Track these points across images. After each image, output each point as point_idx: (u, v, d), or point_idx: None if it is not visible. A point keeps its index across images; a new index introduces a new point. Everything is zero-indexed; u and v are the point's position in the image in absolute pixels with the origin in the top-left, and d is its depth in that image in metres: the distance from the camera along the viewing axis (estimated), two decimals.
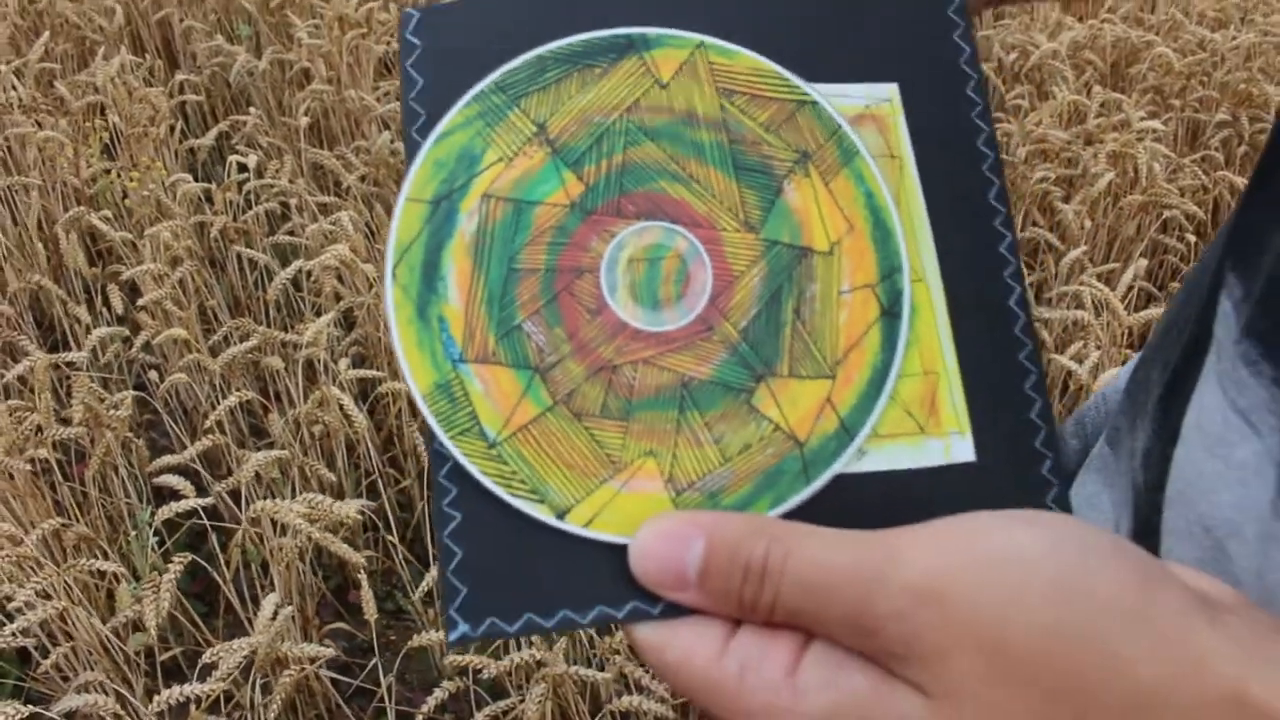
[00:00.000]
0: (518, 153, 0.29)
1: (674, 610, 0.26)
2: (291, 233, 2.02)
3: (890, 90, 0.31)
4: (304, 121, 2.35)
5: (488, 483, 0.27)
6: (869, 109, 0.31)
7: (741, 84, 0.30)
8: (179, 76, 2.67)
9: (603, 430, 0.28)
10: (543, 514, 0.27)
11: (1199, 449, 0.33)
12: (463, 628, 0.27)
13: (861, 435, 0.28)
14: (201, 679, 1.06)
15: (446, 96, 0.30)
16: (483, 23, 0.30)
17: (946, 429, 0.29)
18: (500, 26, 0.30)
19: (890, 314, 0.29)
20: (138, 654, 1.35)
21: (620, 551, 0.27)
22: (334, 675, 1.28)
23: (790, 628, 0.24)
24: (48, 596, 1.18)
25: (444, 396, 0.28)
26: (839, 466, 0.28)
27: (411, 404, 1.68)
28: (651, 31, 0.30)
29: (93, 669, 1.23)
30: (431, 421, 0.28)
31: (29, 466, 1.38)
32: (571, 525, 0.27)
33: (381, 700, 1.29)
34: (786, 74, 0.30)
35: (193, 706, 1.06)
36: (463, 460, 0.28)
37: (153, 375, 1.72)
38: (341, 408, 1.43)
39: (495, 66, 0.30)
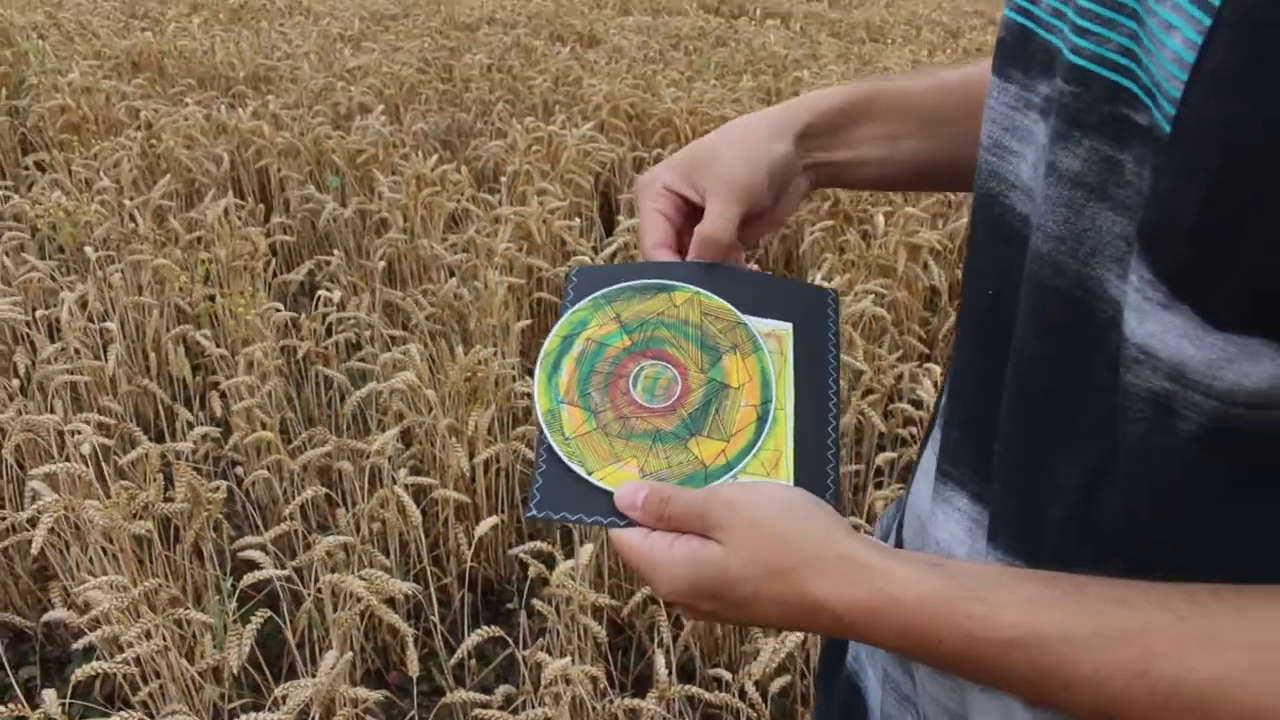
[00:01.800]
0: (604, 324, 0.62)
1: (630, 524, 0.55)
2: (364, 360, 2.32)
3: (788, 325, 0.63)
4: (380, 265, 2.68)
5: (561, 455, 0.58)
6: (774, 331, 0.63)
7: (712, 310, 0.63)
8: (274, 219, 3.04)
9: (615, 443, 0.58)
10: (582, 472, 0.57)
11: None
12: (535, 511, 0.57)
13: (735, 470, 0.58)
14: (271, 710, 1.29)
15: (578, 297, 0.63)
16: (597, 274, 0.64)
17: (782, 478, 0.58)
18: (607, 276, 0.64)
19: (761, 419, 0.59)
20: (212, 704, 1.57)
21: (611, 495, 0.56)
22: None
23: (674, 529, 0.51)
24: (149, 636, 1.42)
25: (551, 416, 0.59)
26: (721, 481, 0.57)
27: (457, 508, 1.93)
28: (674, 284, 0.64)
29: (175, 703, 1.46)
30: (543, 425, 0.58)
31: (135, 535, 1.64)
32: (594, 479, 0.57)
33: None
34: (734, 310, 0.63)
35: None
36: (553, 444, 0.58)
37: (238, 471, 1.99)
38: (400, 505, 1.69)
39: (601, 289, 0.64)
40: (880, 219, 2.92)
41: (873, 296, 2.42)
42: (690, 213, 0.65)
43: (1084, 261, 0.43)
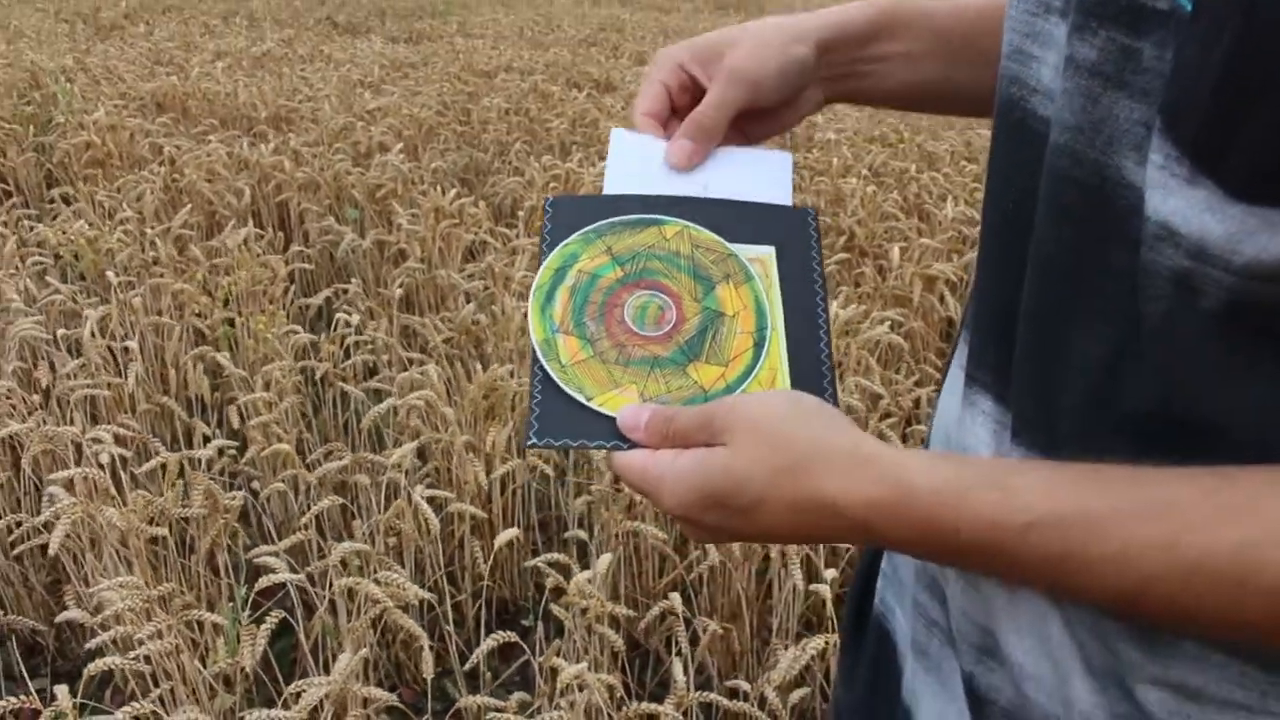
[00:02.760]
0: (596, 257, 0.62)
1: (633, 447, 0.54)
2: (381, 382, 2.32)
3: (770, 249, 0.63)
4: (398, 293, 2.70)
5: (558, 381, 0.57)
6: (759, 256, 0.63)
7: (702, 243, 0.63)
8: (294, 248, 3.06)
9: (613, 370, 0.58)
10: (581, 399, 0.57)
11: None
12: (534, 440, 0.56)
13: (735, 393, 0.57)
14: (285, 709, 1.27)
15: (564, 233, 0.63)
16: (574, 205, 0.64)
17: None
18: (582, 207, 0.64)
19: (758, 345, 0.59)
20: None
21: (612, 420, 0.56)
22: None
23: (679, 445, 0.52)
24: (160, 636, 1.41)
25: (547, 345, 0.58)
26: None
27: (473, 525, 1.92)
28: (664, 217, 0.64)
29: (187, 706, 1.44)
30: (539, 354, 0.58)
31: (150, 541, 1.63)
32: (594, 405, 0.56)
33: None
34: (722, 240, 0.63)
35: None
36: (550, 372, 0.57)
37: (254, 486, 1.99)
38: (418, 514, 1.68)
39: (582, 220, 0.64)
40: (895, 252, 2.93)
41: (889, 324, 2.42)
42: (696, 95, 0.65)
43: (1101, 150, 0.44)
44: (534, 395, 0.57)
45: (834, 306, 2.64)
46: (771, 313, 0.60)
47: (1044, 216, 0.47)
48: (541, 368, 0.57)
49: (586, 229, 0.63)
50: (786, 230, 0.63)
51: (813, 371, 0.58)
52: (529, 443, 0.56)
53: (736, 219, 0.63)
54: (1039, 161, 0.47)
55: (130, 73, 5.35)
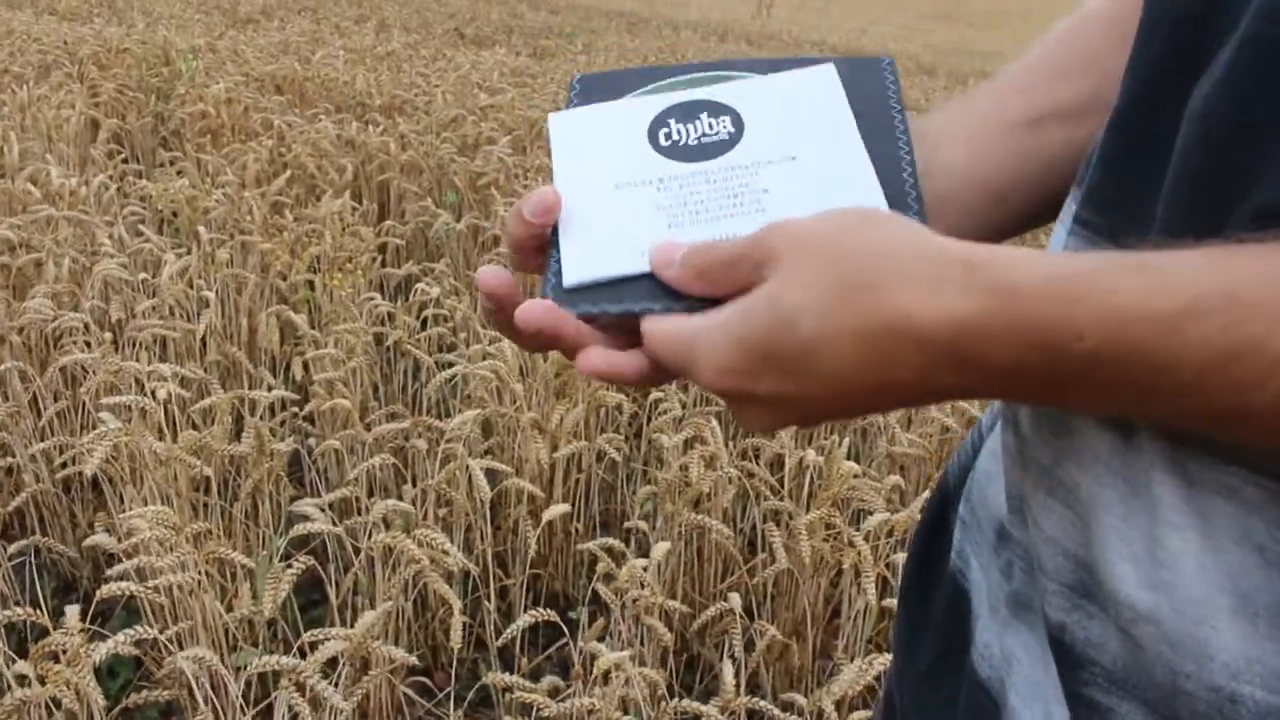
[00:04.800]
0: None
1: (669, 310, 0.43)
2: (455, 357, 2.24)
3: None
4: None
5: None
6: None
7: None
8: (386, 223, 3.02)
9: None
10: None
11: None
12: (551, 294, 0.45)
13: None
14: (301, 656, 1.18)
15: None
16: (603, 81, 0.54)
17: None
18: (613, 82, 0.53)
19: None
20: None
21: (643, 279, 0.44)
22: (408, 692, 1.37)
23: (721, 289, 0.40)
24: (184, 569, 1.33)
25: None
26: None
27: (530, 509, 1.81)
28: (732, 73, 0.52)
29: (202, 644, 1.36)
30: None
31: (192, 479, 1.56)
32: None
33: None
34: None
35: (284, 678, 1.17)
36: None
37: (310, 443, 1.91)
38: (470, 480, 1.58)
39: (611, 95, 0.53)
40: None
41: None
42: None
43: None
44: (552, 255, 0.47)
45: None
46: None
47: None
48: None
49: (641, 90, 0.52)
50: (856, 74, 0.51)
51: (896, 188, 0.45)
52: (552, 295, 0.45)
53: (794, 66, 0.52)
54: None
55: (256, 57, 5.45)
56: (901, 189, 0.45)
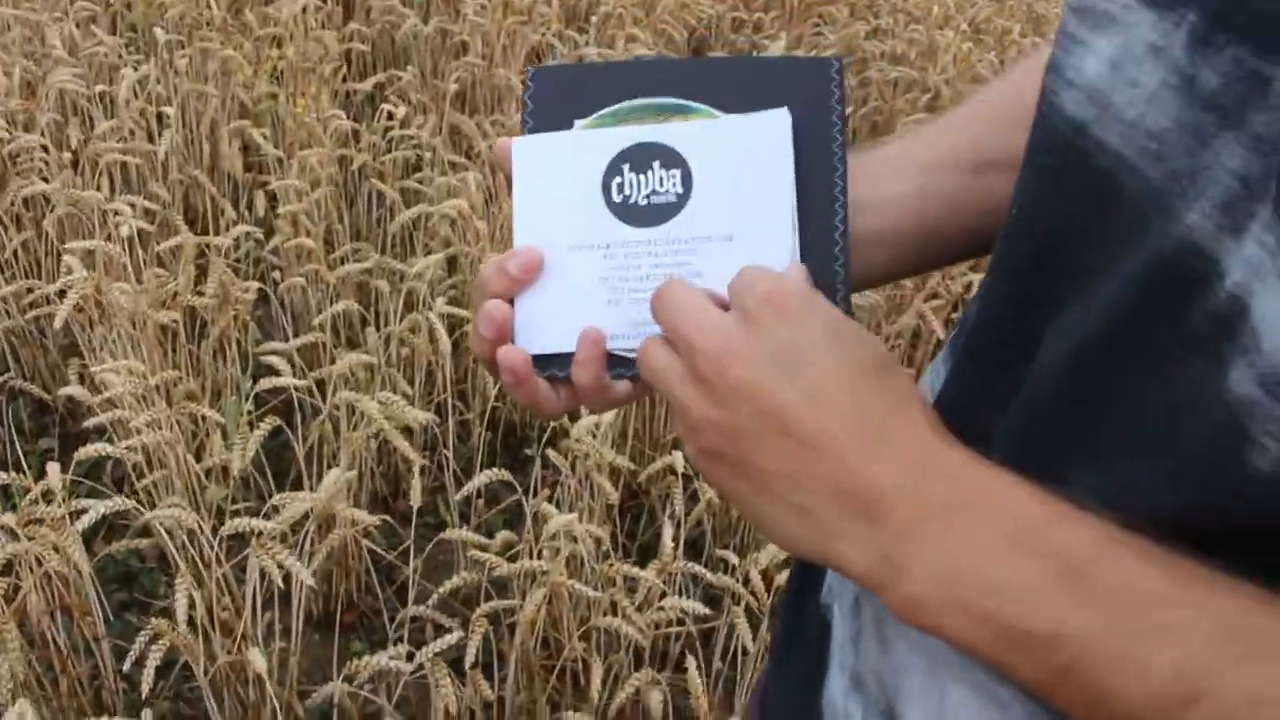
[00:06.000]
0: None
1: (615, 379, 0.49)
2: (420, 182, 2.24)
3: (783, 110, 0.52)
4: (453, 88, 2.58)
5: None
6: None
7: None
8: (351, 25, 2.93)
9: None
10: None
11: None
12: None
13: None
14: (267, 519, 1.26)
15: (539, 108, 0.54)
16: (561, 76, 0.56)
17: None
18: (570, 77, 0.55)
19: None
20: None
21: None
22: (371, 546, 1.48)
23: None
24: (158, 427, 1.40)
25: None
26: None
27: None
28: (691, 104, 0.53)
29: (179, 497, 1.45)
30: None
31: (160, 325, 1.61)
32: None
33: (405, 581, 1.49)
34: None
35: (253, 539, 1.26)
36: None
37: (275, 276, 1.95)
38: (431, 330, 1.63)
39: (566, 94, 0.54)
40: None
41: None
42: None
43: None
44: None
45: None
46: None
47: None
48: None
49: (602, 112, 0.53)
50: (804, 86, 0.52)
51: (826, 267, 0.49)
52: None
53: (749, 79, 0.53)
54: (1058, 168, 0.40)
55: None
56: (831, 267, 0.49)
